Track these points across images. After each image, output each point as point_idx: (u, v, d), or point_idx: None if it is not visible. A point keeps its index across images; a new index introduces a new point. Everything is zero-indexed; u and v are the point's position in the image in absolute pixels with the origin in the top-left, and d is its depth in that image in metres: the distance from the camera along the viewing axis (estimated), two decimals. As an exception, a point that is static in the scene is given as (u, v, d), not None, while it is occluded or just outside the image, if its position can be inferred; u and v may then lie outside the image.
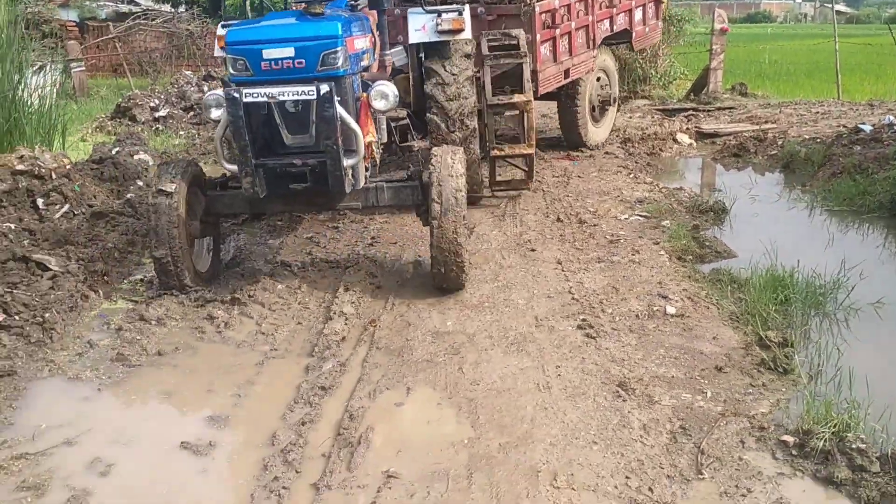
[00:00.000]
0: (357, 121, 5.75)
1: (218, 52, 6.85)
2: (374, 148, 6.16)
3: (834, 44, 17.00)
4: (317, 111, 5.42)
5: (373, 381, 4.85)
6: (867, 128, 10.95)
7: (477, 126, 7.77)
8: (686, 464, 3.92)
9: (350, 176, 5.74)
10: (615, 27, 11.31)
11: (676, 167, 11.62)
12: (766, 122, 13.47)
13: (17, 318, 5.17)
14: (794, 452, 3.99)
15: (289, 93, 5.34)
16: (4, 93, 9.89)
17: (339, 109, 5.44)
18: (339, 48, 5.47)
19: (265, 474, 3.88)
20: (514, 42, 8.29)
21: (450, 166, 5.80)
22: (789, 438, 4.08)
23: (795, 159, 10.81)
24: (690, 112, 14.84)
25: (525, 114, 8.18)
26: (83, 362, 5.20)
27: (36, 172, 7.56)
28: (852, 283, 6.13)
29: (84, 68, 19.54)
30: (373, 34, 6.77)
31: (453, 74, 7.41)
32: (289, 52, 5.38)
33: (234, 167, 5.69)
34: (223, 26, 6.71)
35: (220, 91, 5.66)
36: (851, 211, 8.69)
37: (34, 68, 11.86)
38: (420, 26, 7.26)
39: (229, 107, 5.39)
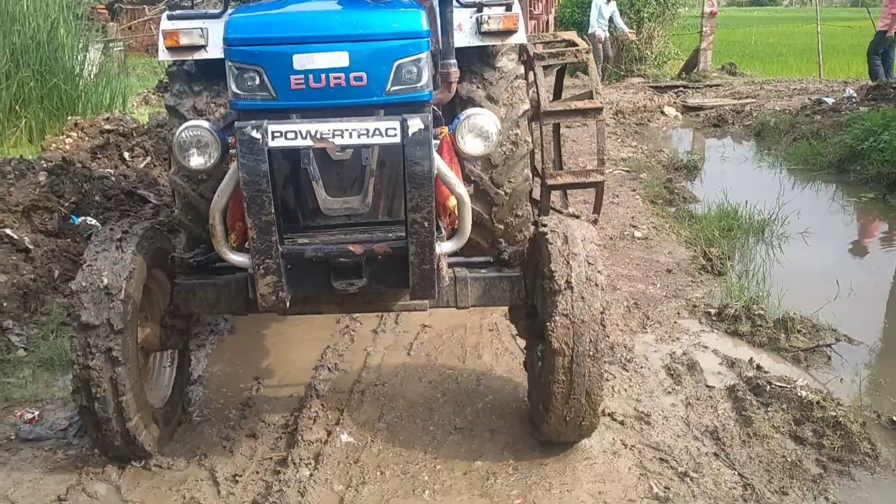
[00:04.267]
0: None
1: (164, 55, 4.31)
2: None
3: (816, 26, 18.40)
4: (404, 162, 3.19)
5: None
6: (829, 100, 12.48)
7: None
8: (636, 324, 5.47)
9: (444, 268, 3.63)
10: None
11: (661, 134, 13.14)
12: (747, 97, 14.99)
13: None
14: (713, 318, 5.55)
15: (355, 132, 3.13)
16: (73, 67, 11.61)
17: (438, 160, 3.33)
18: (423, 55, 3.26)
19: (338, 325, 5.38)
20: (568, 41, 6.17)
21: (580, 248, 3.63)
22: (711, 310, 5.65)
23: (766, 128, 12.35)
24: (680, 89, 16.35)
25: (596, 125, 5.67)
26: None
27: (120, 131, 9.14)
28: (789, 218, 7.67)
29: (122, 48, 21.15)
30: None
31: (498, 78, 4.67)
32: (339, 58, 3.17)
33: (245, 259, 3.39)
34: (170, 16, 4.27)
35: (203, 123, 3.35)
36: (805, 169, 10.24)
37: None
38: (456, 25, 4.33)
39: (244, 156, 3.12)
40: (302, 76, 3.15)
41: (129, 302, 3.48)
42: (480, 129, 3.40)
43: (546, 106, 5.36)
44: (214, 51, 4.15)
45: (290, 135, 3.12)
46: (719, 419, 4.22)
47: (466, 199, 3.45)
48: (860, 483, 3.77)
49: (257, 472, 3.74)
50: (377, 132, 3.14)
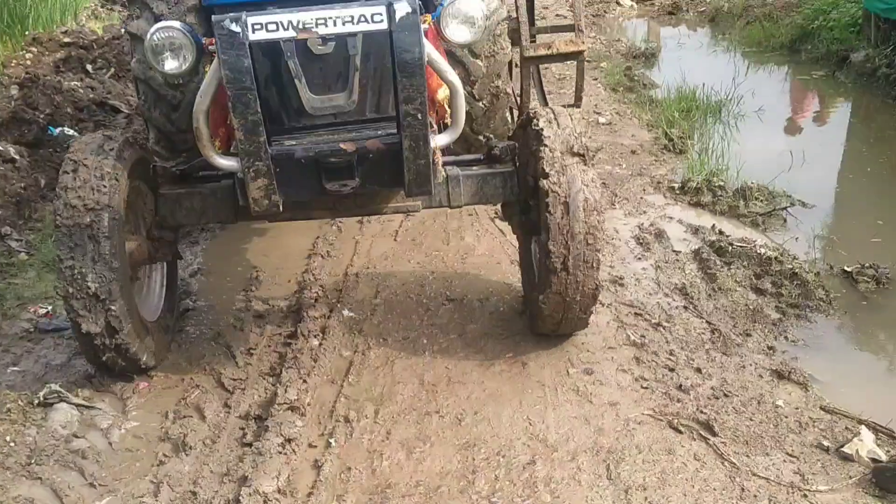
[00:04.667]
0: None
1: None
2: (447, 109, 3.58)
3: None
4: (393, 50, 3.08)
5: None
6: (781, -18, 12.64)
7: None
8: (605, 202, 5.79)
9: (440, 162, 3.56)
10: None
11: (617, 25, 13.26)
12: (700, -17, 15.07)
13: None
14: (677, 192, 5.89)
15: (339, 20, 3.01)
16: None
17: (429, 47, 3.18)
18: None
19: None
20: None
21: (569, 135, 3.58)
22: (675, 185, 5.99)
23: (720, 13, 12.52)
24: (634, -22, 16.34)
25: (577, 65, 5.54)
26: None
27: (80, 44, 9.07)
28: (744, 98, 7.98)
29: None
30: None
31: None
32: None
33: (233, 163, 3.29)
34: None
35: (175, 24, 3.21)
36: (759, 51, 10.51)
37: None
38: None
39: (224, 51, 2.99)
40: None
41: (114, 214, 3.38)
42: (465, 15, 3.26)
43: (527, 51, 5.29)
44: None
45: (272, 26, 2.97)
46: (686, 278, 4.61)
47: (459, 87, 3.31)
48: (815, 324, 4.21)
49: (269, 346, 4.05)
50: (363, 19, 2.99)
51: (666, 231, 5.21)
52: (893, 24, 8.41)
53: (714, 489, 2.99)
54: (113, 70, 8.90)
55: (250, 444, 3.32)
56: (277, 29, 2.99)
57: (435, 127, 3.49)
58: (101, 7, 16.16)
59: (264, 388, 3.71)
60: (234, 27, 2.96)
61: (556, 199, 3.45)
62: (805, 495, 2.95)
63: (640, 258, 4.90)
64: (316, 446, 3.32)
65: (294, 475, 3.14)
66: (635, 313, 4.25)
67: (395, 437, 3.34)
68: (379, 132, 3.31)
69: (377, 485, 3.08)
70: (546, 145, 3.51)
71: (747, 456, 3.16)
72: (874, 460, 3.08)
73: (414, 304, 4.41)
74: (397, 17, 3.01)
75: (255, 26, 2.97)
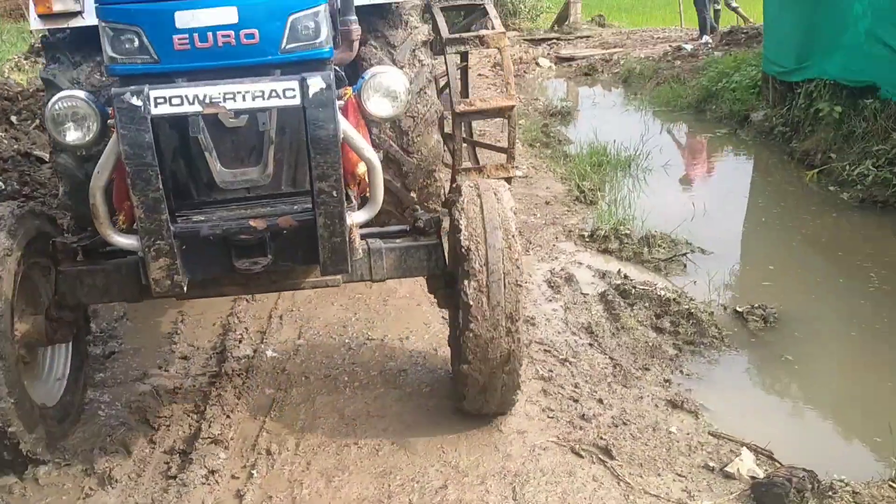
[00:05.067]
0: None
1: (36, 23, 4.21)
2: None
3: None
4: (306, 126, 2.96)
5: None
6: (688, 47, 13.50)
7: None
8: (520, 249, 6.12)
9: (357, 240, 3.39)
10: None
11: (536, 84, 13.90)
12: (615, 47, 15.92)
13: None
14: (586, 239, 6.27)
15: (248, 94, 2.89)
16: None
17: (344, 123, 3.11)
18: (319, 8, 3.06)
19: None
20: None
21: (495, 209, 3.47)
22: (585, 233, 6.37)
23: (632, 75, 13.27)
24: (553, 41, 17.16)
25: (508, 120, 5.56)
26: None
27: (5, 95, 9.13)
28: (652, 154, 8.50)
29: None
30: None
31: (401, 35, 4.73)
32: (227, 14, 2.92)
33: (133, 241, 3.15)
34: None
35: (79, 93, 3.07)
36: (667, 110, 11.18)
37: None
38: None
39: (123, 126, 2.87)
40: (186, 35, 2.87)
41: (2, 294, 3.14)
42: (387, 89, 3.19)
43: (458, 107, 5.28)
44: (93, 17, 3.45)
45: (176, 100, 2.83)
46: (592, 318, 4.92)
47: (377, 164, 3.21)
48: (708, 358, 4.55)
49: (195, 385, 4.19)
50: (274, 94, 2.88)
51: (575, 275, 5.55)
52: (789, 86, 9.10)
53: (609, 506, 3.26)
54: (38, 121, 8.96)
55: (175, 477, 3.45)
56: (182, 103, 2.85)
57: (355, 202, 3.39)
58: (25, 59, 16.14)
59: (189, 424, 3.85)
60: (135, 101, 2.81)
61: (476, 279, 3.31)
62: (691, 510, 3.24)
63: (550, 300, 5.21)
64: (238, 477, 3.47)
65: (217, 504, 3.28)
66: (544, 350, 4.53)
67: (315, 467, 3.51)
68: (295, 207, 3.21)
69: (297, 511, 3.25)
70: (467, 225, 3.37)
71: (641, 476, 3.43)
72: (753, 478, 3.39)
73: (336, 343, 4.61)
74: (311, 92, 2.90)
75: (158, 100, 2.83)
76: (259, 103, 2.90)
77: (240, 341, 4.60)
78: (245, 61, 2.95)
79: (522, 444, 3.65)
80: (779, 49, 9.26)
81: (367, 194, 3.35)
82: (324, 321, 4.87)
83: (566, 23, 18.55)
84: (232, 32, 2.90)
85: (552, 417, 3.87)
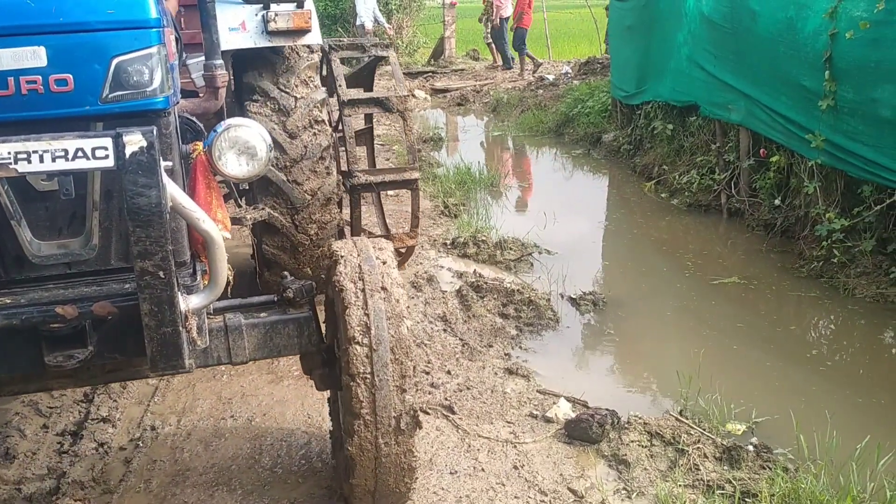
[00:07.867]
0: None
1: None
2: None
3: (543, 14, 20.81)
4: (124, 193, 2.41)
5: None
6: (550, 76, 14.58)
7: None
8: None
9: (194, 329, 2.71)
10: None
11: (414, 114, 14.68)
12: (486, 79, 16.93)
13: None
14: (448, 246, 6.97)
15: (47, 155, 2.29)
16: None
17: (171, 188, 2.52)
18: (152, 49, 2.57)
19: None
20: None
21: (378, 271, 2.94)
22: (447, 241, 7.07)
23: (500, 104, 14.24)
24: (429, 74, 18.06)
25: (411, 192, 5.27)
26: None
27: None
28: (512, 173, 9.34)
29: None
30: (174, 26, 3.18)
31: (295, 97, 4.50)
32: (33, 55, 2.44)
33: None
34: None
35: None
36: (530, 135, 12.13)
37: None
38: (238, 24, 4.25)
39: None
40: None
41: None
42: (244, 145, 2.74)
43: (360, 178, 4.88)
44: None
45: None
46: (448, 309, 5.58)
47: (217, 237, 2.63)
48: (545, 336, 5.28)
49: (83, 380, 4.60)
50: (80, 154, 2.30)
51: (436, 276, 6.21)
52: (632, 109, 10.15)
53: (448, 447, 3.87)
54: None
55: (67, 452, 3.88)
56: None
57: (201, 282, 2.85)
58: None
59: (78, 411, 4.27)
60: None
61: (356, 347, 2.80)
62: (515, 446, 3.89)
63: (413, 297, 5.84)
64: (126, 448, 3.92)
65: (107, 468, 3.74)
66: (403, 337, 5.15)
67: (195, 437, 4.01)
68: (126, 287, 2.67)
69: (179, 470, 3.74)
70: (344, 287, 2.86)
71: (477, 425, 4.08)
72: (568, 420, 4.08)
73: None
74: (127, 152, 2.33)
75: None
76: (61, 165, 2.30)
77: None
78: (56, 112, 2.45)
79: (378, 407, 4.24)
80: (622, 75, 10.30)
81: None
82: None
83: (441, 57, 19.53)
84: (39, 77, 2.41)
85: (405, 386, 4.48)
